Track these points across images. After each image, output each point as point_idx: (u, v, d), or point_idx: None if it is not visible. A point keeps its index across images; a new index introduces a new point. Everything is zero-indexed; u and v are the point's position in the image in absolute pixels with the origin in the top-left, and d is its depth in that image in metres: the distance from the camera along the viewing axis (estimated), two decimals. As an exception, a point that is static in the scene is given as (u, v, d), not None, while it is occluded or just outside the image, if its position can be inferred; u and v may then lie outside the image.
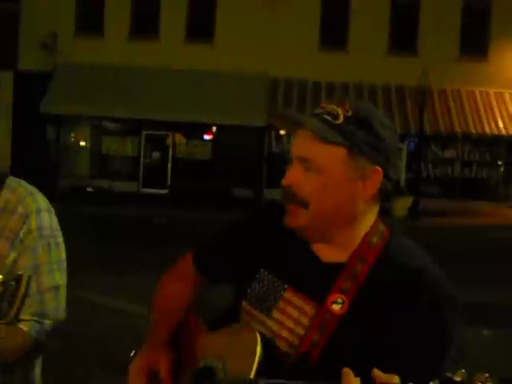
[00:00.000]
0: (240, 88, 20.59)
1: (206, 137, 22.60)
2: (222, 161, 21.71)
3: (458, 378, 0.97)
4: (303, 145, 1.34)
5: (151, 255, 7.96)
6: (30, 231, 1.61)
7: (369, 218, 1.38)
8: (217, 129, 22.14)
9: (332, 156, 1.31)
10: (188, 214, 16.08)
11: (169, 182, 22.32)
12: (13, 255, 1.60)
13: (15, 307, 1.21)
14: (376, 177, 1.32)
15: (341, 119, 1.31)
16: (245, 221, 1.60)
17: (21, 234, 1.60)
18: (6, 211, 1.62)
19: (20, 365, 1.69)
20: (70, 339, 1.69)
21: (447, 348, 1.26)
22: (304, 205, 1.33)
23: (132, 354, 1.58)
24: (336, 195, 1.33)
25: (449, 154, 22.05)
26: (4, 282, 1.23)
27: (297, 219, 1.35)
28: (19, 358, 1.63)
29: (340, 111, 1.32)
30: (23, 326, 1.56)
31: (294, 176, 1.35)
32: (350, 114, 1.32)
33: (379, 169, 1.32)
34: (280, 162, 21.71)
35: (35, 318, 1.56)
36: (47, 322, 1.61)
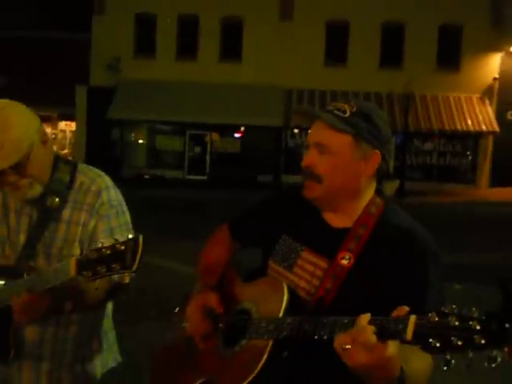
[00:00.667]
0: (262, 96, 20.49)
1: (236, 135, 22.54)
2: (248, 153, 21.68)
3: (448, 310, 0.95)
4: (319, 133, 1.37)
5: (195, 227, 8.02)
6: (102, 203, 1.63)
7: (369, 193, 1.40)
8: (244, 129, 22.08)
9: (341, 141, 1.34)
10: (222, 195, 16.11)
11: (207, 170, 22.36)
12: (92, 222, 1.62)
13: (137, 260, 1.22)
14: (375, 158, 1.35)
15: (348, 113, 1.34)
16: (269, 198, 1.61)
17: (96, 206, 1.62)
18: (83, 190, 1.64)
19: (100, 304, 1.70)
20: (132, 293, 1.70)
21: (434, 291, 1.25)
22: (319, 180, 1.35)
23: (176, 310, 1.60)
24: (344, 173, 1.35)
25: (428, 146, 21.80)
26: (125, 241, 1.24)
27: (313, 192, 1.37)
28: (105, 297, 1.64)
29: (347, 107, 1.35)
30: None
31: (311, 158, 1.37)
32: (354, 109, 1.35)
33: (378, 152, 1.35)
34: (294, 154, 21.67)
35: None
36: (115, 278, 1.62)
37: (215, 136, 22.59)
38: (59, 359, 1.65)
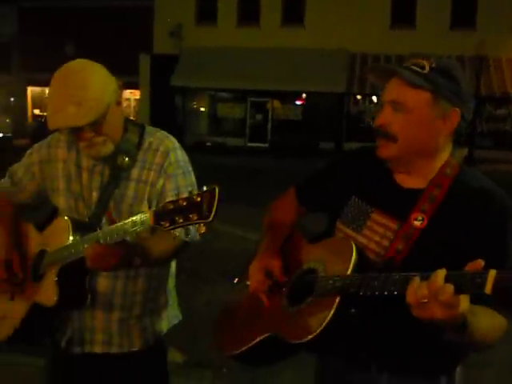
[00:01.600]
0: (325, 62, 20.05)
1: (298, 102, 22.30)
2: (310, 120, 21.45)
3: None
4: (395, 90, 1.32)
5: (257, 194, 8.09)
6: (170, 163, 1.68)
7: (445, 153, 1.35)
8: (306, 95, 21.79)
9: (419, 98, 1.29)
10: (284, 162, 16.09)
11: (269, 137, 22.33)
12: (161, 182, 1.67)
13: (213, 210, 1.24)
14: (455, 116, 1.30)
15: (427, 69, 1.29)
16: (336, 160, 1.59)
17: (164, 165, 1.67)
18: (151, 150, 1.70)
19: (167, 261, 1.76)
20: (195, 251, 1.75)
21: (507, 249, 1.22)
22: (394, 139, 1.31)
23: (235, 281, 1.63)
24: (421, 131, 1.30)
25: (501, 112, 20.64)
26: (201, 193, 1.26)
27: (387, 151, 1.33)
28: (171, 255, 1.71)
29: (426, 63, 1.30)
30: (176, 232, 1.60)
31: (385, 116, 1.32)
32: (434, 65, 1.30)
33: (458, 110, 1.30)
34: (357, 121, 21.21)
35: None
36: (190, 228, 1.68)
37: (276, 103, 22.45)
38: (128, 310, 1.75)
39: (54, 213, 1.76)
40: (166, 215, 1.30)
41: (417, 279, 1.07)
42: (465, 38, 19.10)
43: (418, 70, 1.30)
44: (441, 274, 1.03)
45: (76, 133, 1.59)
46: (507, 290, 0.95)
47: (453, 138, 1.36)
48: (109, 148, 1.63)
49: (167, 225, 1.30)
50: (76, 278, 1.63)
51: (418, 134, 1.30)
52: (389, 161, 1.37)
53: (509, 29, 19.67)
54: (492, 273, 0.97)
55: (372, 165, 1.42)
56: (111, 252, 1.47)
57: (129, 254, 1.55)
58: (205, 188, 1.27)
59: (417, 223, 1.29)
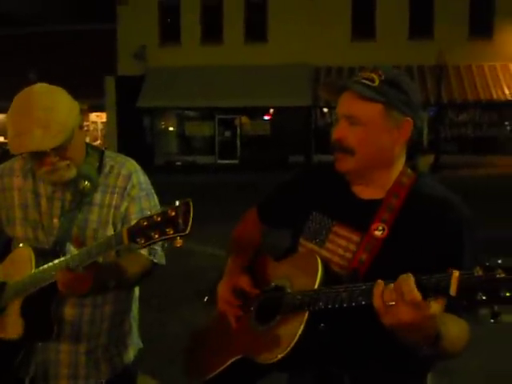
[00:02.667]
0: (289, 76, 20.30)
1: (265, 117, 22.46)
2: (278, 135, 21.59)
3: (492, 264, 0.95)
4: (348, 104, 1.33)
5: (228, 211, 8.08)
6: (133, 186, 1.67)
7: (400, 163, 1.37)
8: (273, 110, 21.97)
9: (372, 111, 1.31)
10: (254, 177, 16.12)
11: (238, 153, 22.39)
12: (124, 204, 1.66)
13: (189, 224, 1.24)
14: (408, 126, 1.33)
15: (377, 82, 1.31)
16: (294, 177, 1.59)
17: (127, 188, 1.67)
18: (113, 174, 1.69)
19: (135, 284, 1.73)
20: (166, 274, 1.74)
21: (470, 258, 1.23)
22: (351, 153, 1.32)
23: (206, 299, 1.61)
24: (377, 143, 1.32)
25: (463, 118, 21.19)
26: (175, 207, 1.26)
27: (346, 164, 1.34)
28: (141, 277, 1.68)
29: (375, 76, 1.32)
30: (143, 252, 1.62)
31: (341, 131, 1.34)
32: (383, 77, 1.32)
33: (410, 119, 1.32)
34: (325, 133, 21.45)
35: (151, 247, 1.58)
36: (158, 250, 1.66)
37: (244, 119, 22.57)
38: (95, 339, 1.70)
39: (7, 244, 1.71)
40: (141, 232, 1.29)
41: (381, 283, 1.08)
42: (424, 48, 19.61)
43: (368, 83, 1.31)
44: (406, 277, 1.04)
45: (38, 158, 1.55)
46: (470, 291, 0.96)
47: (408, 146, 1.37)
48: (72, 172, 1.61)
49: (143, 241, 1.29)
50: (41, 308, 1.58)
51: (375, 145, 1.32)
52: (347, 174, 1.38)
53: (465, 37, 20.32)
54: (455, 274, 0.99)
55: (330, 179, 1.43)
56: (84, 276, 1.42)
57: (103, 276, 1.51)
58: (177, 202, 1.27)
59: (378, 233, 1.30)
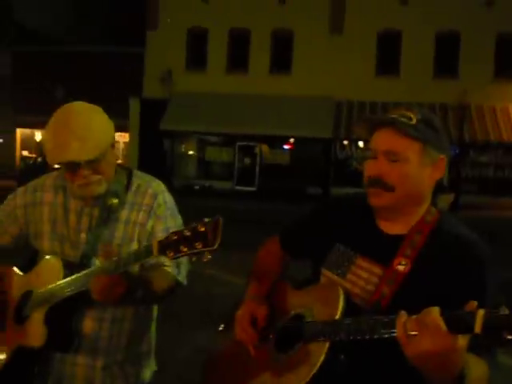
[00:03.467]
0: (312, 108, 20.47)
1: (286, 146, 22.57)
2: (298, 165, 21.67)
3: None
4: (389, 140, 1.34)
5: (243, 238, 8.06)
6: (159, 205, 1.72)
7: (428, 200, 1.39)
8: (294, 140, 22.09)
9: (412, 148, 1.33)
10: (271, 206, 16.13)
11: (257, 181, 22.47)
12: (150, 222, 1.70)
13: (218, 238, 1.29)
14: (443, 163, 1.37)
15: (414, 120, 1.33)
16: (319, 207, 1.60)
17: (154, 207, 1.71)
18: (140, 192, 1.74)
19: (160, 299, 1.75)
20: (180, 297, 1.76)
21: (489, 295, 1.24)
22: (391, 189, 1.33)
23: (221, 327, 1.62)
24: (416, 180, 1.34)
25: (484, 158, 21.06)
26: (205, 223, 1.30)
27: (383, 200, 1.35)
28: (165, 294, 1.71)
29: (412, 115, 1.34)
30: (168, 269, 1.65)
31: (381, 167, 1.34)
32: (419, 116, 1.34)
33: (444, 157, 1.36)
34: (344, 166, 21.47)
35: (174, 264, 1.65)
36: (182, 268, 1.69)
37: (265, 147, 22.71)
38: (113, 355, 1.72)
39: (34, 256, 1.76)
40: (171, 245, 1.33)
41: (403, 313, 1.08)
42: (448, 87, 19.69)
43: (407, 121, 1.33)
44: (431, 308, 1.05)
45: (73, 170, 1.62)
46: (495, 329, 0.96)
47: (435, 185, 1.40)
48: (103, 188, 1.66)
49: (171, 254, 1.33)
50: (63, 319, 1.61)
51: (413, 183, 1.34)
52: (380, 209, 1.39)
53: (489, 78, 20.35)
54: (480, 312, 1.00)
55: (354, 211, 1.45)
56: (118, 279, 1.47)
57: (132, 285, 1.54)
58: (207, 219, 1.31)
59: (400, 268, 1.31)
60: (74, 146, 1.56)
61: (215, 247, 1.29)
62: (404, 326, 1.06)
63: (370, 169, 1.37)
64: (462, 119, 18.69)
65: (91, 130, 1.59)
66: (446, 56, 20.78)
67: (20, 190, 1.83)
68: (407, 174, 1.33)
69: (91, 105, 1.68)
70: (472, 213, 16.18)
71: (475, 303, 1.03)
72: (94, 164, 1.61)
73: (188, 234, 1.30)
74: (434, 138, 1.35)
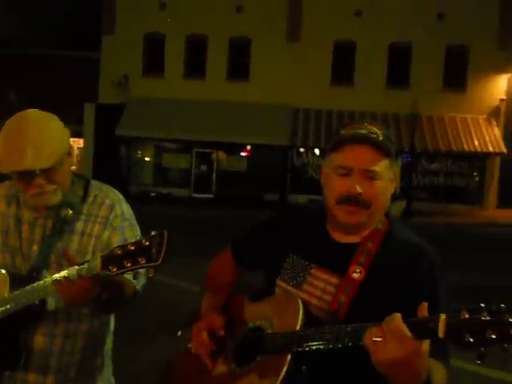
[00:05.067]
0: (269, 115, 20.62)
1: (243, 153, 22.62)
2: (255, 172, 21.73)
3: (476, 307, 0.99)
4: (366, 158, 1.33)
5: (200, 245, 8.03)
6: (116, 216, 1.68)
7: (383, 212, 1.42)
8: (251, 147, 22.16)
9: (384, 165, 1.35)
10: (229, 213, 16.11)
11: (214, 188, 22.42)
12: (106, 234, 1.66)
13: (162, 253, 1.26)
14: (397, 175, 1.41)
15: (381, 137, 1.34)
16: (270, 219, 1.60)
17: (110, 218, 1.67)
18: (96, 203, 1.70)
19: (121, 305, 1.72)
20: (136, 306, 1.71)
21: (443, 304, 1.27)
22: (367, 207, 1.34)
23: (179, 334, 1.59)
24: (386, 196, 1.38)
25: (435, 167, 21.77)
26: (150, 237, 1.28)
27: (358, 218, 1.35)
28: (126, 301, 1.67)
29: (378, 131, 1.35)
30: (128, 277, 1.60)
31: (359, 185, 1.33)
32: (383, 132, 1.36)
33: (398, 168, 1.41)
34: (301, 173, 21.72)
35: (133, 275, 1.61)
36: (140, 278, 1.66)
37: (221, 154, 22.69)
38: (64, 373, 1.66)
39: None
40: (114, 260, 1.30)
41: (369, 324, 1.10)
42: (400, 97, 20.26)
43: (376, 137, 1.33)
44: (396, 316, 1.07)
45: (27, 179, 1.56)
46: (458, 333, 0.99)
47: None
48: (58, 198, 1.61)
49: (115, 269, 1.30)
50: (10, 335, 1.56)
51: (385, 198, 1.37)
52: (347, 227, 1.37)
53: (439, 88, 21.09)
54: (443, 316, 1.01)
55: (306, 221, 1.46)
56: (93, 281, 1.40)
57: (98, 287, 1.47)
58: (153, 232, 1.29)
59: (355, 275, 1.32)
60: (28, 153, 1.51)
61: (158, 263, 1.26)
62: (370, 333, 1.08)
63: (345, 185, 1.34)
64: (413, 129, 19.26)
65: (47, 138, 1.55)
66: (399, 67, 21.40)
67: None
68: (382, 190, 1.35)
69: (46, 112, 1.64)
70: (423, 219, 16.67)
71: (425, 305, 1.06)
72: (49, 173, 1.56)
73: (132, 248, 1.27)
74: (393, 151, 1.37)
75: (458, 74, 21.15)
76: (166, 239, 1.26)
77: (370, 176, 1.33)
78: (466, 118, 20.90)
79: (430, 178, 21.77)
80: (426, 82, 20.63)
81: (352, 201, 1.34)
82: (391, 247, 1.35)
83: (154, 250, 1.26)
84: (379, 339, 1.06)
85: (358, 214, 1.34)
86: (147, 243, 1.27)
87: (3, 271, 1.60)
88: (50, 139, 1.55)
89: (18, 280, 1.58)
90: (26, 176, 1.56)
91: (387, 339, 1.05)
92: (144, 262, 1.26)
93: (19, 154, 1.51)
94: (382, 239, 1.37)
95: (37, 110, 1.64)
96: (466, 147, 20.32)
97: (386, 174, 1.35)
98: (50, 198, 1.60)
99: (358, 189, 1.32)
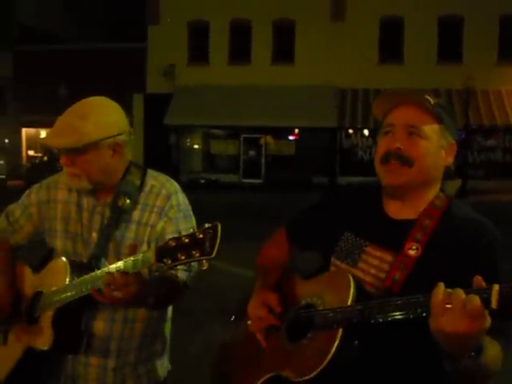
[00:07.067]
0: (315, 97, 20.42)
1: (291, 137, 22.54)
2: (303, 155, 21.64)
3: None
4: (410, 115, 1.33)
5: (253, 229, 8.07)
6: (171, 206, 1.68)
7: (438, 185, 1.39)
8: (299, 130, 22.06)
9: (432, 127, 1.33)
10: (278, 197, 16.12)
11: (262, 173, 22.47)
12: (161, 224, 1.67)
13: (216, 246, 1.26)
14: (454, 148, 1.37)
15: (432, 101, 1.33)
16: (325, 197, 1.59)
17: (166, 208, 1.68)
18: (153, 193, 1.70)
19: (170, 304, 1.75)
20: (190, 291, 1.74)
21: (502, 274, 1.24)
22: (410, 163, 1.32)
23: (233, 318, 1.61)
24: (433, 159, 1.34)
25: (491, 143, 20.93)
26: (204, 229, 1.28)
27: (400, 177, 1.33)
28: (175, 299, 1.70)
29: (430, 98, 1.34)
30: (179, 274, 1.63)
31: (400, 140, 1.33)
32: (436, 101, 1.35)
33: (455, 144, 1.37)
34: (350, 155, 21.42)
35: (185, 268, 1.61)
36: (192, 271, 1.66)
37: (269, 139, 22.69)
38: (124, 357, 1.70)
39: (49, 254, 1.75)
40: (168, 252, 1.30)
41: (441, 284, 1.06)
42: (452, 72, 19.55)
43: (424, 100, 1.33)
44: (460, 290, 1.04)
45: (59, 156, 1.64)
46: (511, 305, 0.97)
47: (443, 172, 1.39)
48: (82, 185, 1.64)
49: (169, 262, 1.30)
50: (72, 320, 1.60)
51: (431, 161, 1.33)
52: (395, 188, 1.36)
53: (494, 62, 20.18)
54: (496, 287, 1.00)
55: (361, 199, 1.45)
56: (132, 278, 1.40)
57: (145, 290, 1.48)
58: (206, 225, 1.28)
59: (411, 252, 1.30)
60: (55, 132, 1.58)
61: (213, 255, 1.25)
62: (440, 297, 1.04)
63: (387, 143, 1.34)
64: (467, 104, 18.55)
65: (82, 121, 1.56)
66: (450, 41, 20.65)
67: (34, 187, 1.82)
68: (427, 150, 1.32)
69: (109, 102, 1.66)
70: (480, 198, 16.10)
71: (479, 277, 1.03)
72: (70, 155, 1.60)
73: (186, 240, 1.27)
74: (449, 121, 1.36)
75: (513, 44, 20.17)
76: (219, 232, 1.26)
77: (412, 131, 1.32)
78: (525, 91, 19.95)
79: (487, 155, 20.98)
80: (480, 55, 19.81)
81: (393, 156, 1.32)
82: (450, 224, 1.32)
83: (207, 243, 1.26)
84: (449, 306, 1.03)
85: (399, 172, 1.32)
86: (201, 236, 1.27)
87: (64, 259, 1.65)
88: (82, 124, 1.57)
89: (78, 267, 1.62)
90: (58, 153, 1.65)
91: (457, 311, 1.02)
92: (198, 255, 1.26)
93: (51, 132, 1.61)
94: (440, 216, 1.33)
95: (104, 98, 1.67)
96: (524, 121, 19.44)
97: (435, 138, 1.33)
98: (73, 181, 1.64)
99: (398, 143, 1.32)
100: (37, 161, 21.05)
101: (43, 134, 23.51)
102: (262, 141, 22.63)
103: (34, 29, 24.18)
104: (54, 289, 1.62)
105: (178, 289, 1.65)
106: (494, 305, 0.99)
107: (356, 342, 1.24)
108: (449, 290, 1.05)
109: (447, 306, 1.03)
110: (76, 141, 1.56)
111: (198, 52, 22.51)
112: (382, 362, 1.30)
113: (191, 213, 1.74)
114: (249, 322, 1.48)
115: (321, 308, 1.32)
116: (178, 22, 22.23)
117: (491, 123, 19.68)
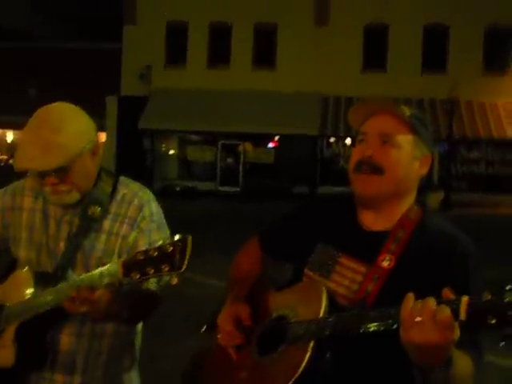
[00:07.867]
0: (297, 104, 20.51)
1: (270, 145, 22.60)
2: (283, 164, 21.67)
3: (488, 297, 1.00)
4: (385, 123, 1.38)
5: (228, 240, 8.06)
6: (143, 217, 1.66)
7: (411, 198, 1.43)
8: (278, 138, 22.13)
9: (406, 137, 1.38)
10: (257, 206, 16.13)
11: (240, 181, 22.46)
12: (133, 235, 1.65)
13: (186, 260, 1.25)
14: (428, 160, 1.42)
15: (408, 113, 1.38)
16: (299, 207, 1.61)
17: (138, 219, 1.66)
18: (125, 202, 1.68)
19: (143, 318, 1.73)
20: (164, 308, 1.71)
21: (475, 287, 1.26)
22: (380, 171, 1.36)
23: (203, 330, 1.61)
24: (405, 169, 1.38)
25: (474, 155, 21.33)
26: (173, 242, 1.27)
27: (371, 186, 1.37)
28: (150, 312, 1.69)
29: (406, 108, 1.40)
30: (150, 286, 1.61)
31: (374, 148, 1.38)
32: (412, 112, 1.40)
33: (430, 156, 1.42)
34: (331, 164, 21.56)
35: (155, 281, 1.58)
36: (162, 282, 1.63)
37: (248, 146, 22.70)
38: (90, 373, 1.68)
39: (13, 264, 1.71)
40: (137, 266, 1.28)
41: (411, 296, 1.09)
42: (436, 82, 19.88)
43: (399, 110, 1.39)
44: (431, 299, 1.06)
45: (41, 176, 1.57)
46: (480, 315, 1.00)
47: (418, 184, 1.44)
48: (73, 198, 1.60)
49: (137, 276, 1.28)
50: (36, 335, 1.57)
51: (403, 170, 1.38)
52: (369, 199, 1.39)
53: (479, 72, 20.60)
54: (465, 298, 1.03)
55: (335, 210, 1.48)
56: (106, 294, 1.38)
57: (118, 304, 1.46)
58: (177, 237, 1.27)
59: (385, 264, 1.33)
60: (35, 152, 1.50)
61: (182, 270, 1.24)
62: (410, 310, 1.07)
63: (360, 151, 1.39)
64: (451, 115, 18.88)
65: (59, 137, 1.52)
66: (435, 50, 21.00)
67: None
68: (398, 159, 1.36)
69: (72, 106, 1.62)
70: (463, 210, 16.37)
71: (449, 291, 1.07)
72: (61, 173, 1.54)
73: (155, 254, 1.26)
74: (425, 133, 1.40)
75: (499, 54, 20.64)
76: (189, 245, 1.25)
77: (385, 140, 1.37)
78: (509, 103, 20.38)
79: (470, 167, 21.35)
80: (465, 65, 20.20)
81: (364, 164, 1.37)
82: (423, 236, 1.36)
83: (177, 257, 1.25)
84: (419, 319, 1.05)
85: (370, 181, 1.36)
86: (170, 249, 1.25)
87: (27, 270, 1.61)
88: (61, 138, 1.52)
89: (43, 278, 1.59)
90: (39, 174, 1.56)
91: (427, 322, 1.04)
92: (167, 269, 1.25)
93: (27, 153, 1.52)
94: (414, 228, 1.37)
95: (62, 104, 1.63)
96: (508, 133, 19.84)
97: (409, 149, 1.38)
98: (65, 197, 1.59)
99: (369, 151, 1.37)
100: (2, 163, 20.70)
101: (9, 135, 23.16)
102: (241, 148, 22.64)
103: (5, 25, 23.84)
104: (16, 302, 1.59)
105: (153, 301, 1.64)
106: (462, 316, 1.02)
107: (328, 355, 1.26)
108: (419, 300, 1.08)
109: (417, 319, 1.06)
110: (63, 156, 1.52)
111: (176, 54, 22.46)
112: (355, 374, 1.32)
113: (164, 222, 1.72)
114: (218, 336, 1.49)
115: (293, 320, 1.34)
116: (156, 22, 22.18)
117: (474, 135, 20.05)
